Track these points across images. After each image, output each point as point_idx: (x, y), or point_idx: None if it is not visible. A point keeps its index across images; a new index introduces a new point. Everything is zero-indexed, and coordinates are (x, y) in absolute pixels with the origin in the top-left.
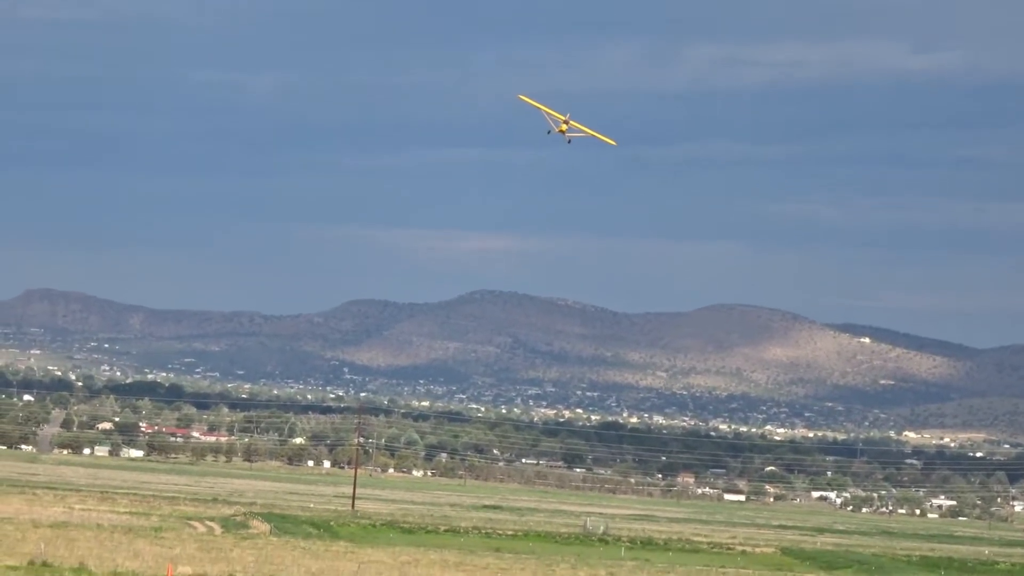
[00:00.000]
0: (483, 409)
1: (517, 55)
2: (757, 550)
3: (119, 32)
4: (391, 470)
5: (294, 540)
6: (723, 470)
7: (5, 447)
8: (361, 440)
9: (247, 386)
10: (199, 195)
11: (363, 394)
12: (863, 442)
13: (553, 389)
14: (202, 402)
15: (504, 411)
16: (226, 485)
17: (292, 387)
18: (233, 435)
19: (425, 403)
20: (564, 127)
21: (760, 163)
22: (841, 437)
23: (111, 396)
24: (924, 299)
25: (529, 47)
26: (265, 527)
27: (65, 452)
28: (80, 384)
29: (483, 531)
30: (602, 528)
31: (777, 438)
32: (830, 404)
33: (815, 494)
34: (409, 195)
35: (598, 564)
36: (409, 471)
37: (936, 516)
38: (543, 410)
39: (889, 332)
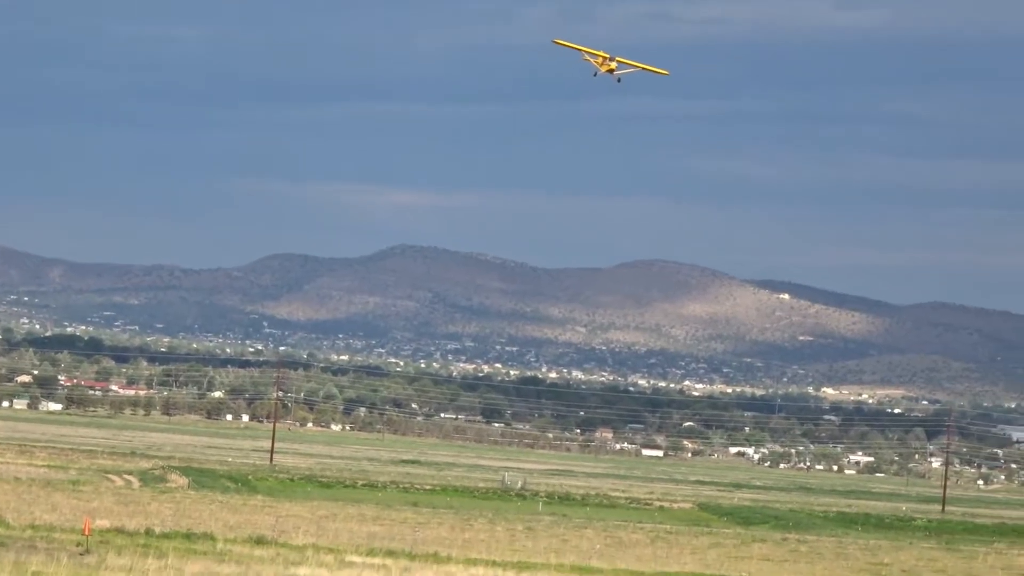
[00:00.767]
0: (402, 363)
1: (438, 12)
2: (675, 506)
3: None
4: (310, 424)
5: (212, 494)
6: (641, 425)
7: None
8: (280, 394)
9: (166, 340)
10: (121, 148)
11: (282, 348)
12: (781, 398)
13: (472, 344)
14: (121, 355)
15: (423, 365)
16: (144, 439)
17: (211, 341)
18: (152, 389)
19: (344, 357)
20: (613, 65)
21: (683, 119)
22: (759, 393)
23: (30, 349)
24: (844, 255)
25: (452, 3)
26: (183, 481)
27: None
28: None
29: (401, 485)
30: (520, 483)
31: (695, 394)
32: (748, 360)
33: (733, 450)
34: (331, 149)
35: (515, 519)
36: (328, 425)
37: (853, 472)
38: (462, 365)
39: (808, 288)
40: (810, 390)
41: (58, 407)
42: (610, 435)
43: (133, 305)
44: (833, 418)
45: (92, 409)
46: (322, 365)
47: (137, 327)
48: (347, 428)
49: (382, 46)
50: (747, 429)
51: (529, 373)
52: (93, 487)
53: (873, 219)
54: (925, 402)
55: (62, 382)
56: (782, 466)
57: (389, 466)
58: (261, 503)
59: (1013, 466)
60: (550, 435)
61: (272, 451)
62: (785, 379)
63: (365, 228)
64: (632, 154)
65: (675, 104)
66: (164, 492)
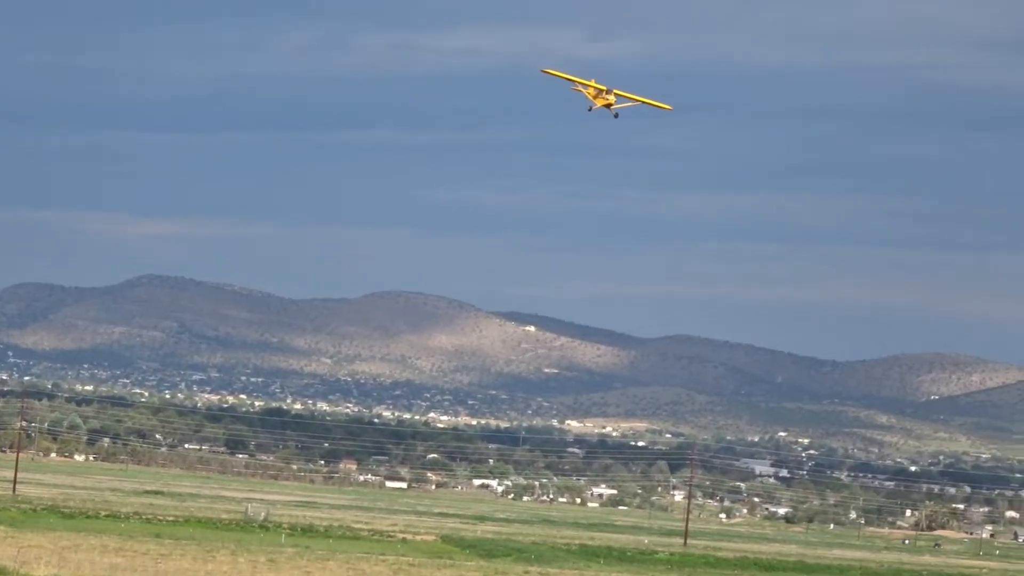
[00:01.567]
0: (147, 394)
1: (194, 38)
2: (418, 538)
3: None
4: (53, 454)
5: None
6: (385, 457)
7: None
8: (24, 424)
9: None
10: None
11: (27, 378)
12: (526, 430)
13: (218, 374)
14: None
15: (168, 396)
16: None
17: None
18: None
19: (89, 387)
20: (611, 99)
21: (431, 149)
22: (504, 425)
23: None
24: (590, 288)
25: (207, 29)
26: None
27: None
28: None
29: (144, 516)
30: (263, 515)
31: (440, 425)
32: (494, 392)
33: (477, 482)
34: (78, 178)
35: (258, 551)
36: (71, 455)
37: (596, 505)
38: (207, 395)
39: (555, 321)
40: (555, 422)
41: None
42: (354, 466)
43: None
44: (577, 451)
45: None
46: (67, 395)
47: None
48: (91, 458)
49: (135, 73)
50: (491, 461)
51: (274, 404)
52: None
53: (618, 251)
54: (669, 435)
55: None
56: (526, 498)
57: (132, 497)
58: (3, 534)
59: (756, 499)
60: (294, 466)
61: (15, 481)
62: (530, 411)
63: (112, 257)
64: (379, 185)
65: (422, 135)
66: None
